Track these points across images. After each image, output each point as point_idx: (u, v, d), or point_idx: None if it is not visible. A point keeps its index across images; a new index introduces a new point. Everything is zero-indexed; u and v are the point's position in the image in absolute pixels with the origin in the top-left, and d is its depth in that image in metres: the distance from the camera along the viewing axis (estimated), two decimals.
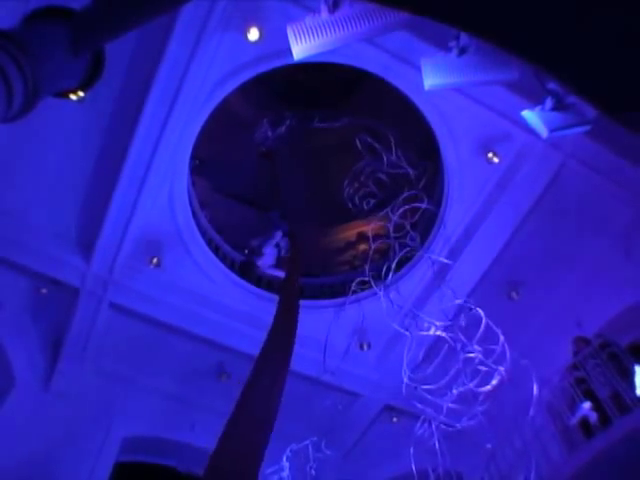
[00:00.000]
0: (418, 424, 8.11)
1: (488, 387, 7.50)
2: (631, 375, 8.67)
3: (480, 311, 7.79)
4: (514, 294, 9.91)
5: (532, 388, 9.24)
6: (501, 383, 7.50)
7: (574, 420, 8.74)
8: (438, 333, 8.09)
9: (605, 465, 7.98)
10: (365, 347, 10.22)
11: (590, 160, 8.51)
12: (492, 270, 9.63)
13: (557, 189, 8.82)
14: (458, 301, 8.33)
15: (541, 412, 9.48)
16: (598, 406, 8.53)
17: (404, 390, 8.03)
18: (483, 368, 7.48)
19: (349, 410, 10.56)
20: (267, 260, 9.70)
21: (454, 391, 7.63)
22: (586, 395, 8.81)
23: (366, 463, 10.93)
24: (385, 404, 10.61)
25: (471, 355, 7.59)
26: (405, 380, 8.03)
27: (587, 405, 8.67)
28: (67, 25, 4.05)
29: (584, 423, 8.69)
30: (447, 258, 9.27)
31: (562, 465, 8.67)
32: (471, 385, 7.49)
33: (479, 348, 7.53)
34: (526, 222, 9.17)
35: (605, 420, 8.31)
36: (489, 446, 8.27)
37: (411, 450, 7.87)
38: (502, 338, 7.46)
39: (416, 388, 8.01)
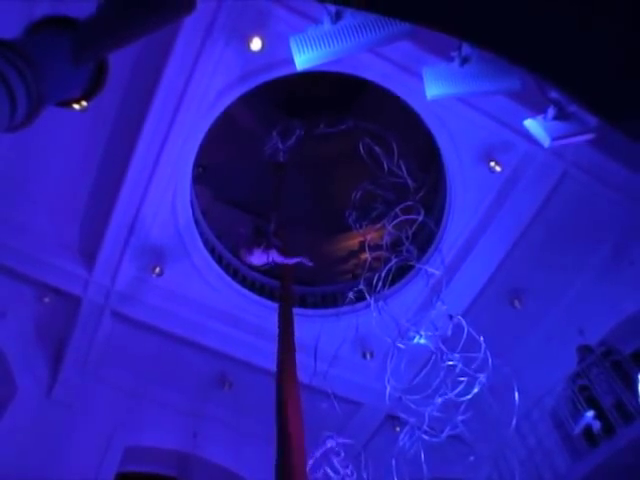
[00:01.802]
0: (401, 435, 8.13)
1: (468, 396, 7.51)
2: (634, 383, 8.65)
3: (462, 320, 7.81)
4: (517, 302, 9.89)
5: (535, 395, 9.24)
6: (484, 391, 7.51)
7: (578, 429, 8.71)
8: (422, 342, 8.09)
9: (609, 474, 7.94)
10: (368, 356, 10.21)
11: (592, 168, 8.51)
12: (495, 279, 9.62)
13: (559, 197, 8.82)
14: (443, 307, 8.32)
15: (545, 420, 9.46)
16: (602, 414, 8.50)
17: (387, 400, 8.03)
18: (462, 379, 7.51)
19: (352, 419, 10.54)
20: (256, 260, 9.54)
21: (437, 400, 7.65)
22: (589, 403, 8.79)
23: (370, 472, 10.88)
24: (387, 413, 10.58)
25: (451, 363, 7.62)
26: (388, 389, 8.04)
27: (590, 414, 8.64)
28: (70, 35, 4.06)
29: (588, 432, 8.66)
30: (449, 267, 9.27)
31: (566, 474, 8.65)
32: (452, 394, 7.50)
33: (457, 356, 7.55)
34: (528, 230, 9.16)
35: (609, 429, 8.29)
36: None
37: (393, 461, 7.89)
38: (483, 346, 7.47)
39: (400, 398, 8.02)
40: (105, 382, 9.98)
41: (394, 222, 8.93)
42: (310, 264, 9.45)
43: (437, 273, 8.93)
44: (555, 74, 2.96)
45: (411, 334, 8.29)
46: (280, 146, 10.51)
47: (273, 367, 9.88)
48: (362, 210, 9.94)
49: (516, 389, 7.49)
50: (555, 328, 9.89)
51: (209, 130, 8.64)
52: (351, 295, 9.21)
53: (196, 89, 7.85)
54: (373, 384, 10.35)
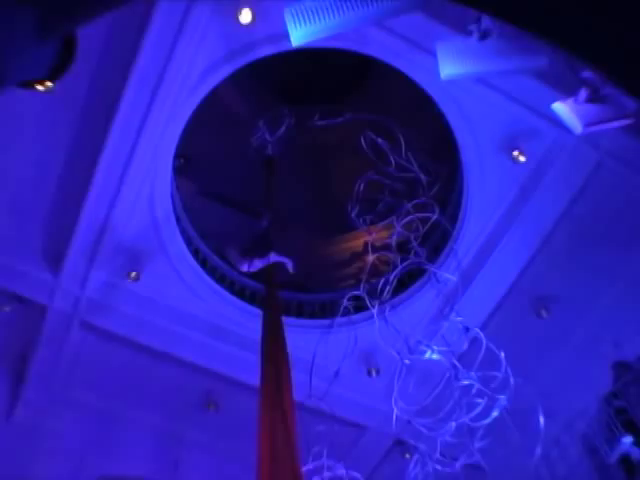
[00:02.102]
0: (411, 465, 8.13)
1: (487, 420, 7.52)
2: None
3: (479, 333, 7.81)
4: (544, 312, 9.87)
5: (565, 418, 9.24)
6: (505, 414, 7.51)
7: (614, 457, 8.70)
8: (434, 357, 8.10)
9: None
10: (374, 373, 10.20)
11: (630, 159, 8.50)
12: (518, 285, 9.60)
13: (592, 192, 8.80)
14: (459, 318, 8.33)
15: (576, 446, 9.46)
16: None
17: (394, 424, 8.03)
18: (480, 400, 7.51)
19: (356, 445, 10.54)
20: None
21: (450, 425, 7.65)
22: (627, 428, 8.78)
23: None
24: (395, 438, 10.57)
25: (466, 382, 7.62)
26: (395, 411, 8.04)
27: (628, 439, 8.63)
28: (34, 5, 4.05)
29: (625, 460, 8.65)
30: (465, 272, 9.26)
31: None
32: (467, 419, 7.51)
33: (474, 375, 7.55)
34: (557, 229, 9.15)
35: None
36: None
37: None
38: (504, 363, 7.47)
39: (409, 422, 8.02)
40: (74, 402, 9.97)
41: (404, 220, 8.93)
42: (292, 270, 9.42)
43: (452, 278, 8.92)
44: (588, 51, 2.94)
45: (422, 348, 8.29)
46: (268, 137, 10.48)
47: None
48: (367, 203, 9.94)
49: (541, 412, 7.48)
50: (587, 341, 9.86)
51: (192, 116, 8.63)
52: (346, 302, 9.22)
53: (177, 68, 7.82)
54: (379, 405, 10.34)
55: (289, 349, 9.92)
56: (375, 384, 10.33)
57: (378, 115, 10.12)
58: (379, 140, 9.60)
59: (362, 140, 9.61)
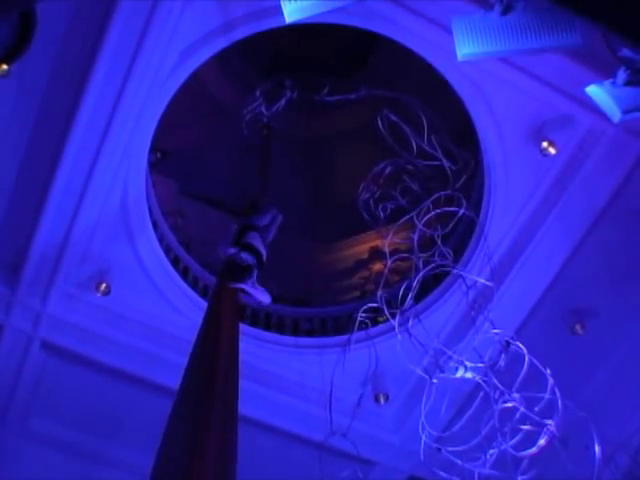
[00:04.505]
0: None
1: (533, 449, 7.48)
2: None
3: (522, 347, 7.79)
4: (579, 327, 9.87)
5: (605, 451, 9.22)
6: (552, 443, 7.48)
7: None
8: (467, 376, 8.09)
9: None
10: (382, 399, 10.19)
11: None
12: (549, 295, 9.62)
13: (634, 187, 8.81)
14: (496, 331, 8.31)
15: None
16: None
17: (422, 454, 8.00)
18: (526, 426, 7.48)
19: None
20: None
21: (489, 454, 7.62)
22: None
23: None
24: (410, 475, 10.56)
25: (509, 405, 7.59)
26: (423, 439, 8.02)
27: None
28: None
29: None
30: (489, 279, 9.25)
31: None
32: (508, 446, 7.48)
33: (517, 395, 7.53)
34: (594, 232, 9.15)
35: None
36: None
37: None
38: (551, 381, 7.45)
39: (440, 450, 7.99)
40: (33, 437, 9.94)
41: (427, 217, 8.91)
42: None
43: (487, 284, 8.87)
44: (628, 25, 2.94)
45: (452, 365, 8.28)
46: (264, 111, 10.42)
47: (262, 416, 9.89)
48: (379, 200, 9.91)
49: (596, 441, 7.46)
50: (628, 365, 9.86)
51: (176, 104, 8.63)
52: (361, 316, 9.19)
53: (154, 46, 7.75)
54: (390, 436, 10.35)
55: (287, 373, 9.98)
56: (384, 412, 10.32)
57: (394, 93, 10.07)
58: (397, 121, 9.55)
59: (379, 121, 9.56)
